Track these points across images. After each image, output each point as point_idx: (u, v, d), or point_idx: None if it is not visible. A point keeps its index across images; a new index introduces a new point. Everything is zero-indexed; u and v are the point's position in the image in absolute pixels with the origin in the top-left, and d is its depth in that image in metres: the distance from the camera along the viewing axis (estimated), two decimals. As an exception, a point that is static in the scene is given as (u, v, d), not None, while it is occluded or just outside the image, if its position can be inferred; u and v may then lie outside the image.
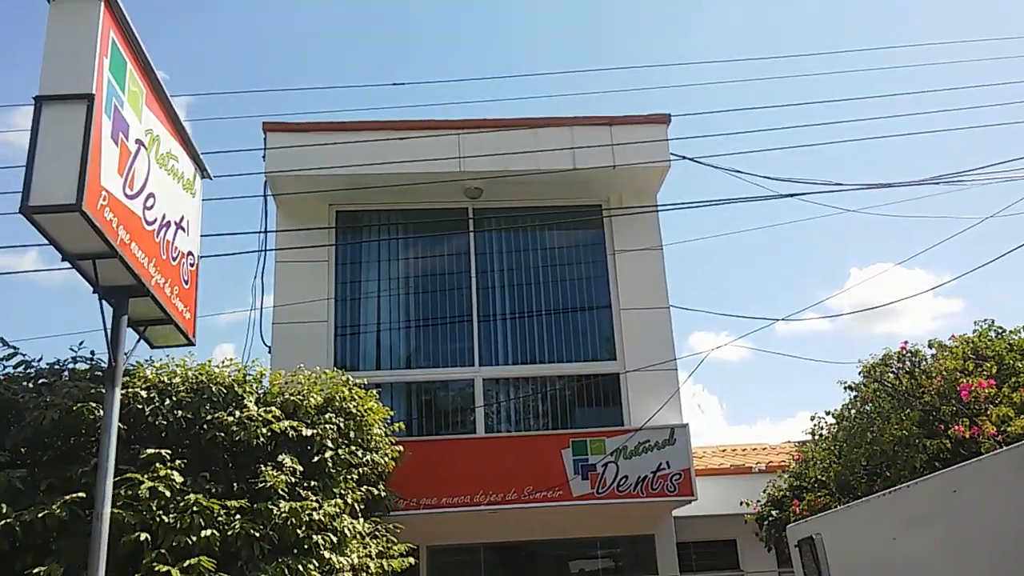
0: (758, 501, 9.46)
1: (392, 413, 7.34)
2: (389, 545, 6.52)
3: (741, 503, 9.69)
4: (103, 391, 4.85)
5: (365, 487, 6.50)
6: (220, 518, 5.03)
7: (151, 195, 5.29)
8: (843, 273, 29.20)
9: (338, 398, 6.30)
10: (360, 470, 6.43)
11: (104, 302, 4.97)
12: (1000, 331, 7.70)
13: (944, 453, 6.31)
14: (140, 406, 5.34)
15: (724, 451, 12.56)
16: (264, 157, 9.37)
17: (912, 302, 29.90)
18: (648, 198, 10.30)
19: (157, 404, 5.43)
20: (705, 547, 10.65)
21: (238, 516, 5.12)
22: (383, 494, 6.99)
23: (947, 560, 3.72)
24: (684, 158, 9.59)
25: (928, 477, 4.22)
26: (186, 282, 5.85)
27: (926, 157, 26.21)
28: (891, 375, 7.39)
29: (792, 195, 8.67)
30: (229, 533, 5.02)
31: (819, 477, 8.12)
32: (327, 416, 6.06)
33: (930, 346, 7.67)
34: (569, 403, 9.95)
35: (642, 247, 10.10)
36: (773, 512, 8.97)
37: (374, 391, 6.98)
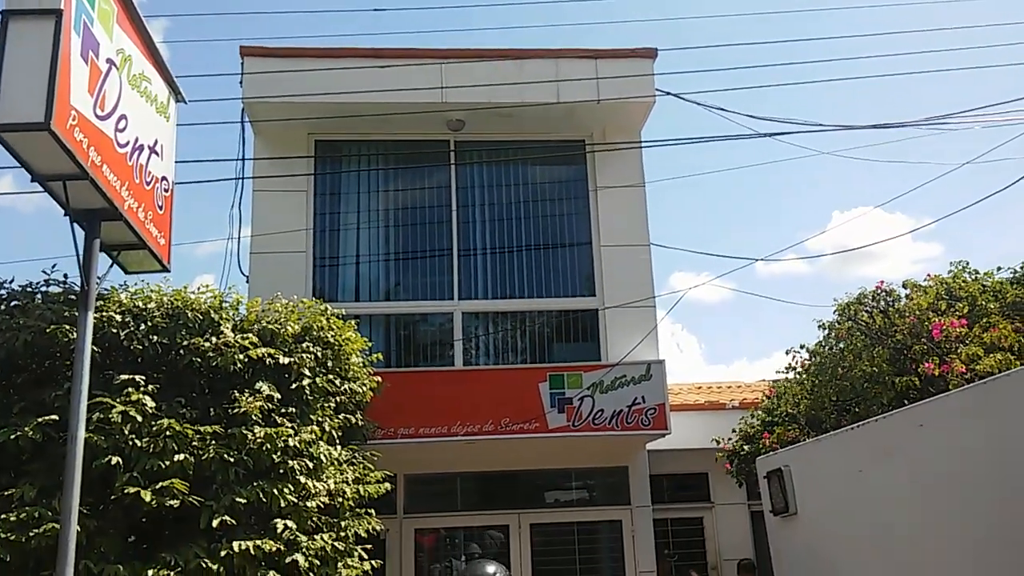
0: (730, 439, 9.64)
1: (371, 344, 7.34)
2: (366, 472, 6.60)
3: (713, 440, 9.87)
4: (77, 315, 4.81)
5: (343, 415, 6.54)
6: (194, 443, 5.05)
7: (123, 117, 5.17)
8: (825, 216, 29.34)
9: (316, 327, 6.30)
10: (337, 399, 6.47)
11: (76, 225, 4.90)
12: (974, 273, 7.79)
13: (913, 391, 6.44)
14: (115, 330, 5.31)
15: (700, 388, 12.73)
16: (241, 83, 9.17)
17: (892, 246, 30.17)
18: (632, 134, 10.22)
19: (132, 329, 5.41)
20: (677, 480, 10.87)
21: (212, 441, 5.15)
22: (360, 423, 7.04)
23: (911, 491, 3.81)
24: (669, 94, 9.49)
25: (895, 412, 4.30)
26: (160, 208, 5.77)
27: (912, 100, 26.11)
28: (865, 314, 7.47)
29: (773, 134, 8.64)
30: (203, 457, 5.05)
31: (789, 411, 8.28)
32: (304, 345, 6.06)
33: (904, 286, 7.76)
34: (547, 338, 10.02)
35: (624, 184, 10.05)
36: (744, 447, 9.16)
37: (352, 322, 6.97)
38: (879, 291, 7.67)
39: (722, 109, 8.81)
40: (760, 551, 10.14)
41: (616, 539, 9.56)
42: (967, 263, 7.85)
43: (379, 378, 7.36)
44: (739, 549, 10.54)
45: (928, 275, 7.71)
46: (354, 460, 6.62)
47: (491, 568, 4.05)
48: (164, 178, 5.89)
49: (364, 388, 6.99)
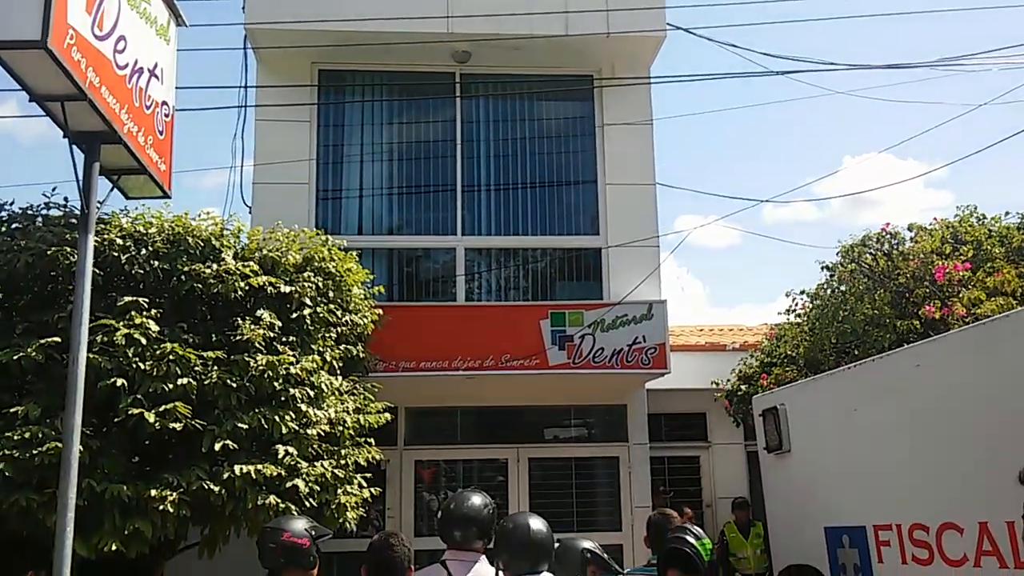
0: (728, 379, 9.70)
1: (373, 276, 7.34)
2: (367, 403, 6.67)
3: (712, 382, 9.93)
4: (77, 237, 4.81)
5: (344, 346, 6.58)
6: (197, 368, 5.10)
7: (122, 38, 5.08)
8: (836, 161, 29.00)
9: (317, 258, 6.29)
10: (338, 329, 6.50)
11: (75, 148, 4.87)
12: (981, 217, 7.72)
13: (913, 334, 6.44)
14: (116, 254, 5.31)
15: (701, 331, 12.78)
16: (244, 7, 9.00)
17: (902, 194, 29.86)
18: (641, 70, 10.04)
19: (133, 253, 5.41)
20: (675, 419, 10.98)
21: (215, 367, 5.19)
22: (362, 355, 7.09)
23: (905, 431, 3.84)
24: (680, 28, 9.30)
25: (893, 352, 4.30)
26: (161, 132, 5.71)
27: (926, 41, 25.56)
28: (868, 256, 7.44)
29: (786, 72, 8.48)
30: (206, 383, 5.10)
31: (789, 353, 8.31)
32: (305, 275, 6.06)
33: (910, 229, 7.70)
34: (550, 276, 10.01)
35: (632, 121, 9.92)
36: (742, 388, 9.22)
37: (354, 253, 6.97)
38: (884, 233, 7.62)
39: (734, 46, 8.64)
40: (755, 490, 10.30)
41: (613, 475, 9.71)
42: (975, 207, 7.79)
43: (380, 311, 7.38)
44: (734, 488, 10.71)
45: (934, 219, 7.66)
46: (355, 391, 6.68)
47: (477, 500, 4.07)
48: (164, 103, 5.82)
49: (365, 320, 7.02)
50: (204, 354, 5.18)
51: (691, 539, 4.25)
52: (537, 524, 3.58)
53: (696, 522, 9.92)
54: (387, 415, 6.76)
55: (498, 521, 4.03)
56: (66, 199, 5.70)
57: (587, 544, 4.57)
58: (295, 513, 4.93)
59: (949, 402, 3.55)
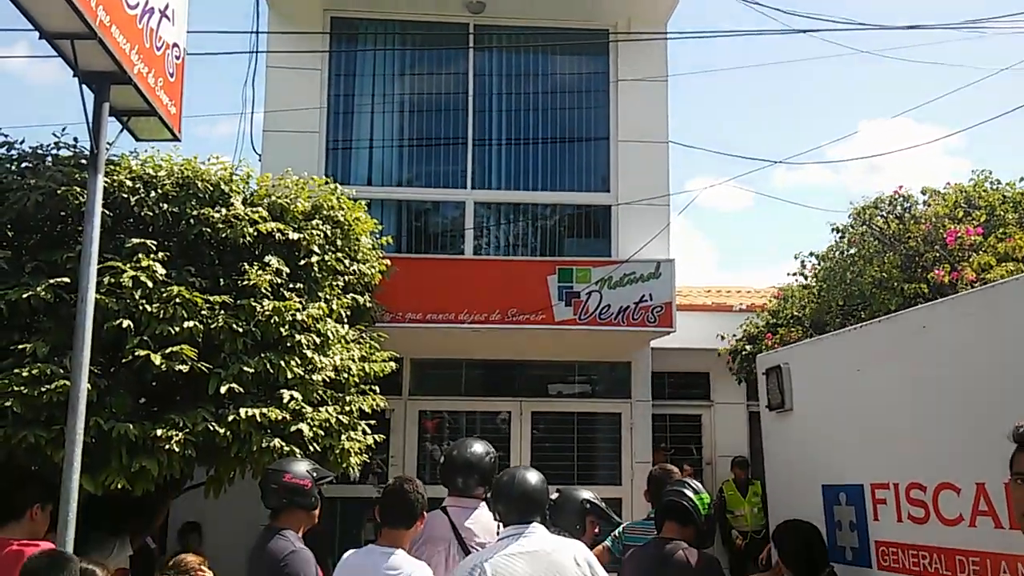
0: (733, 336, 9.72)
1: (381, 226, 7.35)
2: (372, 351, 6.71)
3: (717, 336, 9.95)
4: (87, 177, 4.81)
5: (351, 295, 6.60)
6: (203, 311, 5.13)
7: (132, -24, 5.01)
8: (852, 126, 28.65)
9: (326, 206, 6.28)
10: (346, 278, 6.52)
11: (85, 88, 4.84)
12: (996, 182, 7.64)
13: (921, 298, 6.42)
14: (125, 195, 5.32)
15: (709, 291, 12.75)
16: (255, -48, 8.88)
17: (918, 160, 29.56)
18: (657, 25, 9.91)
19: (142, 195, 5.41)
20: (679, 378, 11.03)
21: (221, 311, 5.22)
22: (368, 305, 7.12)
23: (908, 392, 3.83)
24: (698, -17, 9.13)
25: (899, 313, 4.29)
26: (171, 75, 5.67)
27: (949, 3, 25.07)
28: (880, 219, 7.39)
29: (806, 31, 8.34)
30: (212, 326, 5.13)
31: (795, 314, 8.31)
32: (314, 222, 6.06)
33: (923, 192, 7.64)
34: (558, 232, 10.00)
35: (647, 77, 9.80)
36: (747, 348, 9.24)
37: (362, 202, 6.96)
38: (896, 196, 7.55)
39: (755, 1, 8.49)
40: (755, 450, 10.39)
41: (615, 431, 9.80)
42: (989, 172, 7.70)
43: (388, 261, 7.40)
44: (735, 447, 10.79)
45: (948, 183, 7.58)
46: (361, 340, 6.72)
47: (479, 447, 4.13)
48: (175, 45, 5.77)
49: (373, 270, 7.03)
50: (211, 298, 5.21)
51: (689, 492, 4.30)
52: (531, 478, 3.64)
53: (695, 479, 10.02)
54: (392, 364, 6.81)
55: (499, 470, 4.09)
56: (76, 139, 5.70)
57: (586, 495, 4.64)
58: (299, 456, 4.99)
59: (953, 364, 3.54)
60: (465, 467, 4.08)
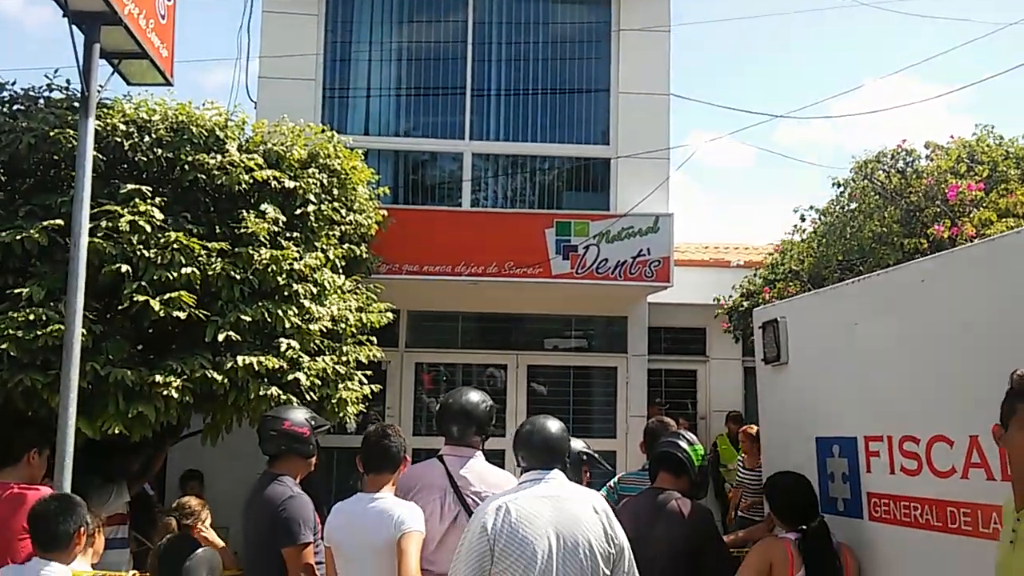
0: (730, 295, 9.72)
1: (378, 177, 7.28)
2: (369, 302, 6.70)
3: (714, 297, 9.96)
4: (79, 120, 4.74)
5: (347, 245, 6.57)
6: (200, 258, 5.09)
7: (122, -88, 4.88)
8: (856, 82, 28.33)
9: (322, 154, 6.22)
10: (342, 228, 6.48)
11: (75, 28, 4.75)
12: (999, 138, 7.57)
13: (919, 254, 6.40)
14: (118, 140, 5.25)
15: (707, 248, 12.72)
16: None
17: (923, 119, 29.31)
18: (661, -27, 9.72)
19: (136, 140, 5.34)
20: (675, 333, 11.06)
21: (219, 258, 5.19)
22: (365, 256, 7.09)
23: (904, 346, 3.82)
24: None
25: (898, 267, 4.26)
26: (163, 17, 5.56)
27: (962, -38, 24.58)
28: (881, 173, 7.33)
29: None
30: (209, 273, 5.10)
31: (793, 268, 8.29)
32: (310, 171, 6.00)
33: (926, 146, 7.56)
34: (557, 185, 9.94)
35: (649, 27, 9.64)
36: (744, 303, 9.25)
37: (359, 151, 6.88)
38: (899, 150, 7.48)
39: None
40: (750, 405, 10.47)
41: (610, 385, 9.85)
42: (992, 127, 7.62)
43: (385, 212, 7.35)
44: (730, 402, 10.87)
45: (951, 137, 7.50)
46: (357, 291, 6.71)
47: (475, 396, 4.14)
48: (167, -14, 5.65)
49: (370, 221, 6.99)
50: (208, 245, 5.17)
51: (683, 444, 4.32)
52: (552, 426, 3.69)
53: (690, 433, 10.10)
54: (389, 315, 6.80)
55: (495, 419, 4.11)
56: (68, 81, 5.62)
57: (579, 445, 4.67)
58: (296, 404, 5.00)
59: (952, 318, 3.52)
60: (461, 415, 4.07)
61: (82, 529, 3.50)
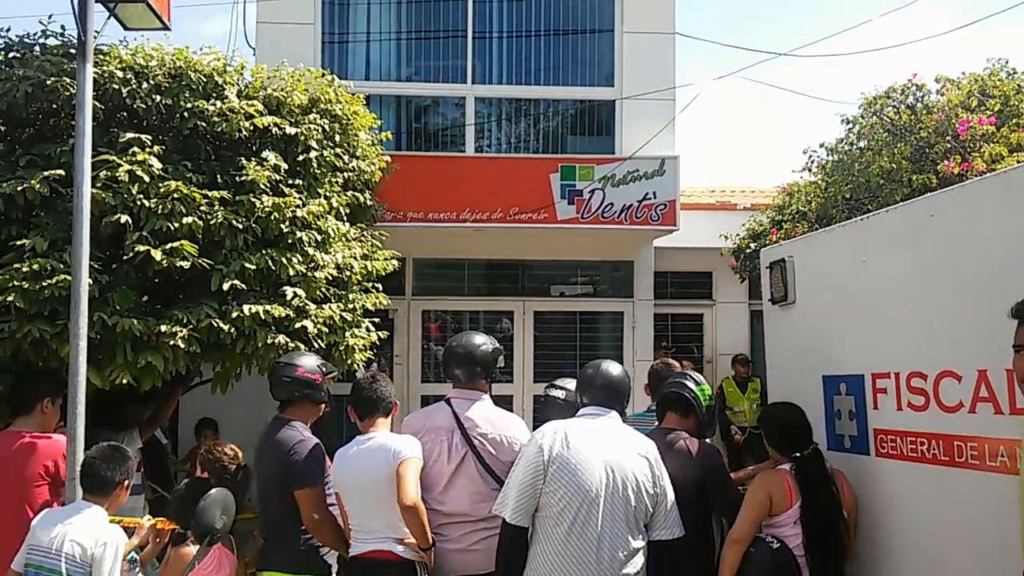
0: (737, 235, 9.66)
1: (380, 122, 7.19)
2: (374, 250, 6.68)
3: (720, 236, 9.90)
4: (76, 67, 4.66)
5: (351, 192, 6.52)
6: (202, 207, 5.06)
7: None
8: (867, 16, 27.71)
9: (323, 99, 6.13)
10: (345, 175, 6.42)
11: (69, -29, 4.64)
12: (1012, 71, 7.40)
13: (928, 191, 6.32)
14: (116, 87, 5.17)
15: (712, 192, 12.62)
16: None
17: (933, 58, 28.73)
18: (665, -92, 9.46)
19: (134, 87, 5.26)
20: (681, 277, 11.04)
21: (221, 207, 5.15)
22: (369, 203, 7.05)
23: (914, 282, 3.79)
24: None
25: (907, 203, 4.21)
26: (158, -41, 5.43)
27: None
28: (891, 109, 7.20)
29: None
30: (212, 222, 5.07)
31: (800, 208, 8.22)
32: (311, 116, 5.92)
33: (937, 81, 7.41)
34: (561, 129, 9.82)
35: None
36: (751, 245, 9.19)
37: (360, 96, 6.79)
38: (910, 85, 7.33)
39: None
40: (756, 348, 10.49)
41: (617, 330, 9.88)
42: (1006, 61, 7.45)
43: (388, 158, 7.29)
44: (736, 346, 10.89)
45: (963, 72, 7.34)
46: (362, 238, 6.68)
47: (479, 339, 4.17)
48: (161, -73, 5.50)
49: (373, 167, 6.93)
50: (209, 194, 5.13)
51: (690, 384, 4.33)
52: (614, 369, 3.84)
53: (696, 375, 10.15)
54: (394, 262, 6.79)
55: (500, 361, 4.17)
56: (63, 27, 5.53)
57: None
58: (306, 351, 5.02)
59: (961, 253, 3.49)
60: (465, 359, 4.10)
61: (126, 481, 3.75)
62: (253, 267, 5.19)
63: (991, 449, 3.26)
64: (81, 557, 3.51)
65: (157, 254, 4.79)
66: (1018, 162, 5.73)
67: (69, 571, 3.49)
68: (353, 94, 6.63)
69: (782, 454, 3.98)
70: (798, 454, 3.88)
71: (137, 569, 3.88)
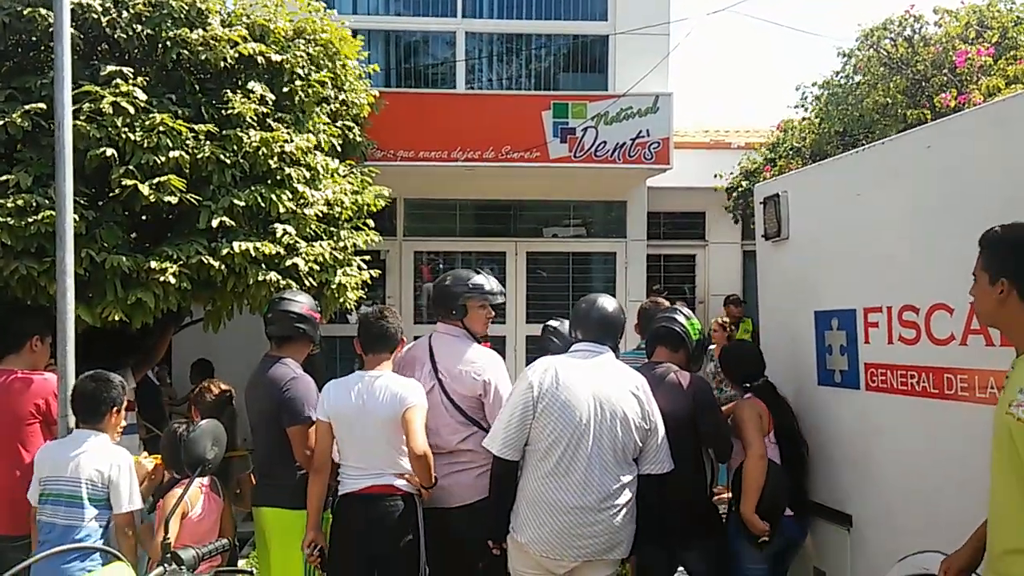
0: (731, 173, 9.59)
1: (367, 53, 7.04)
2: (364, 186, 6.59)
3: (714, 175, 9.83)
4: (52, -3, 4.51)
5: (340, 125, 6.40)
6: (188, 141, 4.95)
7: None
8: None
9: (309, 28, 5.98)
10: (333, 106, 6.30)
11: None
12: (1011, 2, 7.26)
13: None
14: (95, 16, 5.01)
15: (707, 132, 12.51)
16: None
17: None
18: None
19: (114, 16, 5.09)
20: (674, 218, 11.02)
21: (207, 141, 5.05)
22: (359, 139, 6.94)
23: (909, 214, 3.76)
24: None
25: (903, 134, 4.16)
26: None
27: None
28: (888, 41, 7.08)
29: None
30: (199, 156, 4.98)
31: (795, 145, 8.14)
32: (297, 43, 5.78)
33: (935, 12, 7.26)
34: (553, 65, 9.66)
35: None
36: (744, 183, 9.14)
37: (347, 26, 6.62)
38: (907, 16, 7.19)
39: None
40: (748, 288, 10.52)
41: (609, 270, 9.86)
42: (1007, -9, 7.30)
43: (377, 92, 7.16)
44: (729, 286, 10.92)
45: (961, 1, 7.18)
46: (352, 175, 6.59)
47: (466, 276, 4.17)
48: None
49: (361, 101, 6.80)
50: (195, 127, 5.02)
51: (680, 318, 4.35)
52: (608, 304, 3.84)
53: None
54: (384, 196, 6.72)
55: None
56: (36, -50, 5.31)
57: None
58: (298, 290, 5.00)
59: (957, 184, 3.45)
60: (453, 296, 4.12)
61: (115, 408, 3.75)
62: (242, 203, 5.11)
63: (981, 381, 3.28)
64: (100, 480, 3.58)
65: (144, 188, 4.70)
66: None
67: (90, 495, 3.56)
68: (340, 24, 6.47)
69: (735, 383, 4.41)
70: (748, 384, 4.26)
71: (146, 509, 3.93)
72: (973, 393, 3.32)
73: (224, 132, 5.17)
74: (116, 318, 4.79)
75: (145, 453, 4.32)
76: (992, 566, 2.48)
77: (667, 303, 5.40)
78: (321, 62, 6.01)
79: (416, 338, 4.36)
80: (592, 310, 3.79)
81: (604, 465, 3.48)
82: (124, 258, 4.72)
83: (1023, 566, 2.34)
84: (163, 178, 4.76)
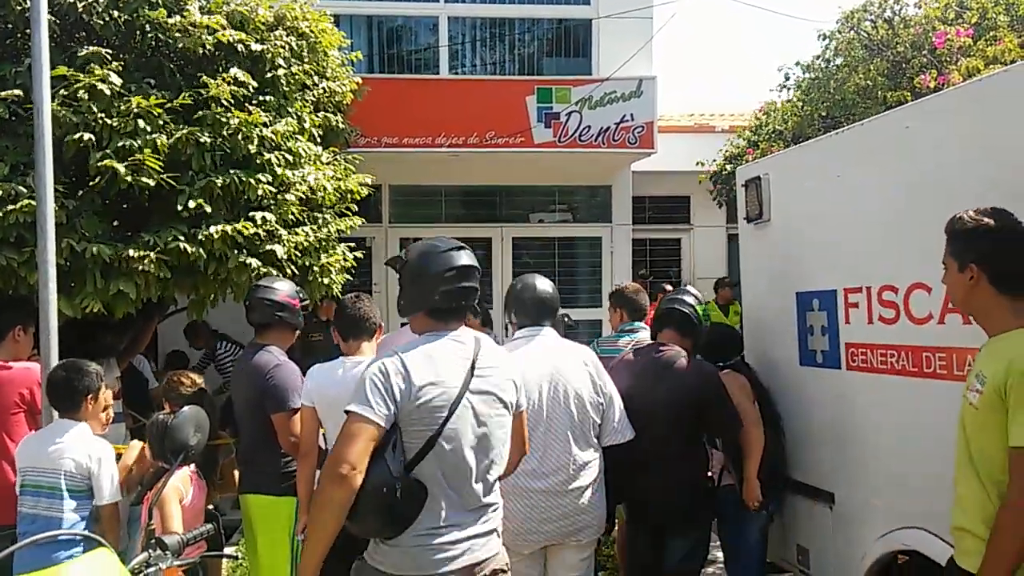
0: (714, 160, 9.62)
1: (350, 41, 6.98)
2: (348, 173, 6.56)
3: (697, 163, 9.85)
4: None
5: (323, 113, 6.36)
6: (164, 121, 4.88)
7: None
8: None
9: (289, 17, 5.91)
10: (315, 92, 6.25)
11: None
12: (992, -17, 7.29)
13: (904, 107, 6.28)
14: (72, 1, 4.95)
15: (691, 116, 12.51)
16: None
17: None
18: None
19: (91, 2, 5.03)
20: (659, 202, 11.04)
21: (184, 123, 4.98)
22: (342, 126, 6.90)
23: (888, 194, 3.79)
24: None
25: (883, 114, 4.18)
26: None
27: None
28: (868, 23, 7.09)
29: None
30: (176, 136, 4.89)
31: (777, 128, 8.16)
32: (278, 33, 5.71)
33: (915, -8, 7.30)
34: (537, 51, 9.63)
35: None
36: (727, 167, 9.16)
37: (328, 14, 6.57)
38: (887, -3, 7.21)
39: None
40: (733, 272, 10.56)
41: (595, 255, 9.88)
42: (987, -29, 7.32)
43: (359, 80, 7.11)
44: (714, 269, 10.97)
45: (942, -18, 7.22)
46: (335, 162, 6.55)
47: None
48: None
49: (344, 88, 6.75)
50: (172, 104, 4.93)
51: (690, 300, 4.32)
52: (542, 284, 3.79)
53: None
54: (368, 183, 6.68)
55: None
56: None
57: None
58: (280, 277, 4.96)
59: (936, 163, 3.47)
60: None
61: (89, 396, 3.70)
62: (219, 182, 5.02)
63: (959, 359, 3.31)
64: (78, 471, 3.56)
65: (120, 167, 4.63)
66: (994, 76, 5.68)
67: (68, 486, 3.55)
68: (321, 13, 6.41)
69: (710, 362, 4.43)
70: (721, 363, 4.36)
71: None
72: (951, 371, 3.35)
73: (201, 112, 5.08)
74: (96, 309, 4.75)
75: (135, 441, 4.31)
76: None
77: (643, 290, 5.36)
78: (303, 55, 5.95)
79: (403, 325, 4.36)
80: (526, 290, 3.77)
81: (562, 446, 3.49)
82: (104, 247, 4.67)
83: (966, 542, 2.47)
84: (140, 156, 4.68)
